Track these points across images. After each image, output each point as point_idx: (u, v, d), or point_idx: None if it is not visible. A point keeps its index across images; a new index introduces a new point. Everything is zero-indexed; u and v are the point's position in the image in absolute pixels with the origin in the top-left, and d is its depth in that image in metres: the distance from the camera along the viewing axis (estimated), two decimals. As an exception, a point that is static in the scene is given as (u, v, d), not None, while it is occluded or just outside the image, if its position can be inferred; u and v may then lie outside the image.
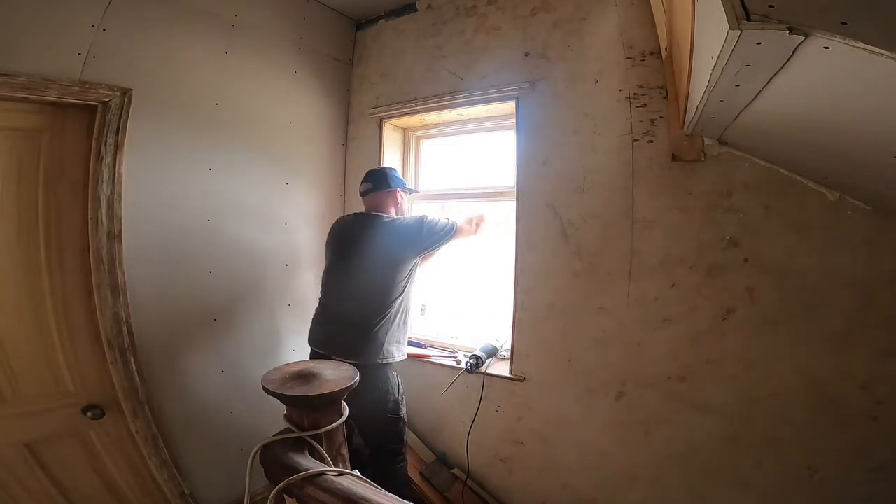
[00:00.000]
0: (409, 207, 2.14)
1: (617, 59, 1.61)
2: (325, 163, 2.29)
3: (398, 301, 1.67)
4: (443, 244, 1.73)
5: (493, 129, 2.15)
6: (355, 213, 1.86)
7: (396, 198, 1.85)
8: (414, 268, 1.72)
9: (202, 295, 1.77)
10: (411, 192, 2.01)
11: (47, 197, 1.40)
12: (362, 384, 1.22)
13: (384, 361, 1.63)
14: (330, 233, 1.89)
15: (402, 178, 1.92)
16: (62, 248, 1.44)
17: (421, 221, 1.72)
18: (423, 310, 2.30)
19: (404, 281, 1.68)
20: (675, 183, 1.49)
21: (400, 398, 1.70)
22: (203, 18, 1.74)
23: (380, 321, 1.63)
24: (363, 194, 1.85)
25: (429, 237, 1.69)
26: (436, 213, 2.09)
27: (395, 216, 1.80)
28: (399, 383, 1.72)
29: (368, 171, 1.87)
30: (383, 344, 1.63)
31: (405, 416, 1.72)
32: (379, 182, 1.82)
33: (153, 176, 1.60)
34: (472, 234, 1.81)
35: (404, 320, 1.72)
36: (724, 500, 1.45)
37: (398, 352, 1.68)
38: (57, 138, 1.42)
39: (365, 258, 1.69)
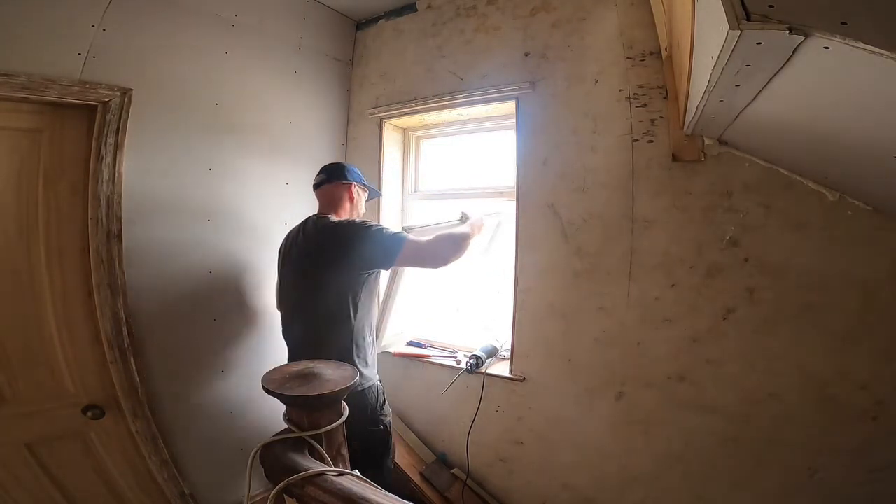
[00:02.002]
0: (363, 212, 1.75)
1: (617, 59, 1.61)
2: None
3: (351, 326, 1.45)
4: (382, 262, 1.44)
5: (493, 129, 2.15)
6: (302, 221, 1.61)
7: (352, 193, 1.62)
8: (363, 284, 1.47)
9: (202, 295, 1.77)
10: (374, 193, 1.80)
11: (47, 197, 1.40)
12: None
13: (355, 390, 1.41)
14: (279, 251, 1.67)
15: (362, 175, 1.70)
16: (62, 248, 1.44)
17: (366, 227, 1.44)
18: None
19: (352, 297, 1.45)
20: (675, 183, 1.49)
21: (379, 409, 1.52)
22: (203, 18, 1.74)
23: (334, 351, 1.42)
24: (315, 187, 1.64)
25: (371, 249, 1.41)
26: (392, 224, 1.84)
27: (345, 218, 1.56)
28: (378, 392, 1.53)
29: (324, 165, 1.69)
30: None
31: (388, 425, 1.56)
32: (333, 173, 1.62)
33: (153, 176, 1.60)
34: (442, 258, 1.45)
35: (364, 342, 1.50)
36: (724, 500, 1.45)
37: (366, 379, 1.47)
38: (57, 138, 1.42)
39: (307, 275, 1.48)
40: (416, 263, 1.50)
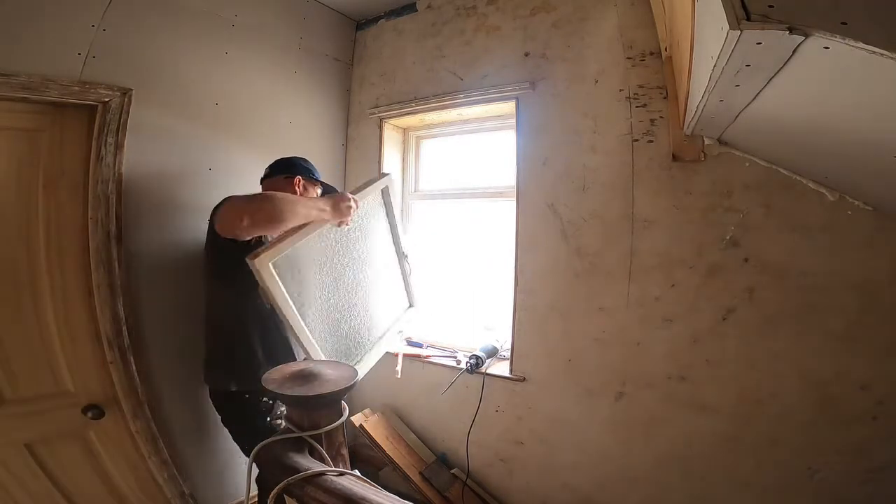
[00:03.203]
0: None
1: (617, 59, 1.61)
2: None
3: (231, 310, 1.42)
4: (214, 229, 1.29)
5: (493, 129, 2.15)
6: None
7: (295, 187, 1.49)
8: (230, 262, 1.26)
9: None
10: (329, 189, 1.63)
11: (47, 197, 1.40)
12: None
13: (229, 390, 1.40)
14: None
15: (314, 169, 1.59)
16: (62, 248, 1.43)
17: (228, 197, 1.31)
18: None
19: (229, 279, 1.35)
20: (675, 183, 1.49)
21: (269, 424, 1.39)
22: (203, 18, 1.74)
23: (214, 338, 1.46)
24: (260, 182, 1.57)
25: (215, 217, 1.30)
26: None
27: None
28: (266, 409, 1.41)
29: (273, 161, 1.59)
30: (231, 369, 1.40)
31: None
32: (277, 167, 1.54)
33: (153, 176, 1.60)
34: (239, 219, 1.17)
35: (251, 338, 1.40)
36: (724, 500, 1.45)
37: (247, 382, 1.36)
38: (57, 138, 1.42)
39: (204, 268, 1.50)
40: (228, 230, 1.22)
